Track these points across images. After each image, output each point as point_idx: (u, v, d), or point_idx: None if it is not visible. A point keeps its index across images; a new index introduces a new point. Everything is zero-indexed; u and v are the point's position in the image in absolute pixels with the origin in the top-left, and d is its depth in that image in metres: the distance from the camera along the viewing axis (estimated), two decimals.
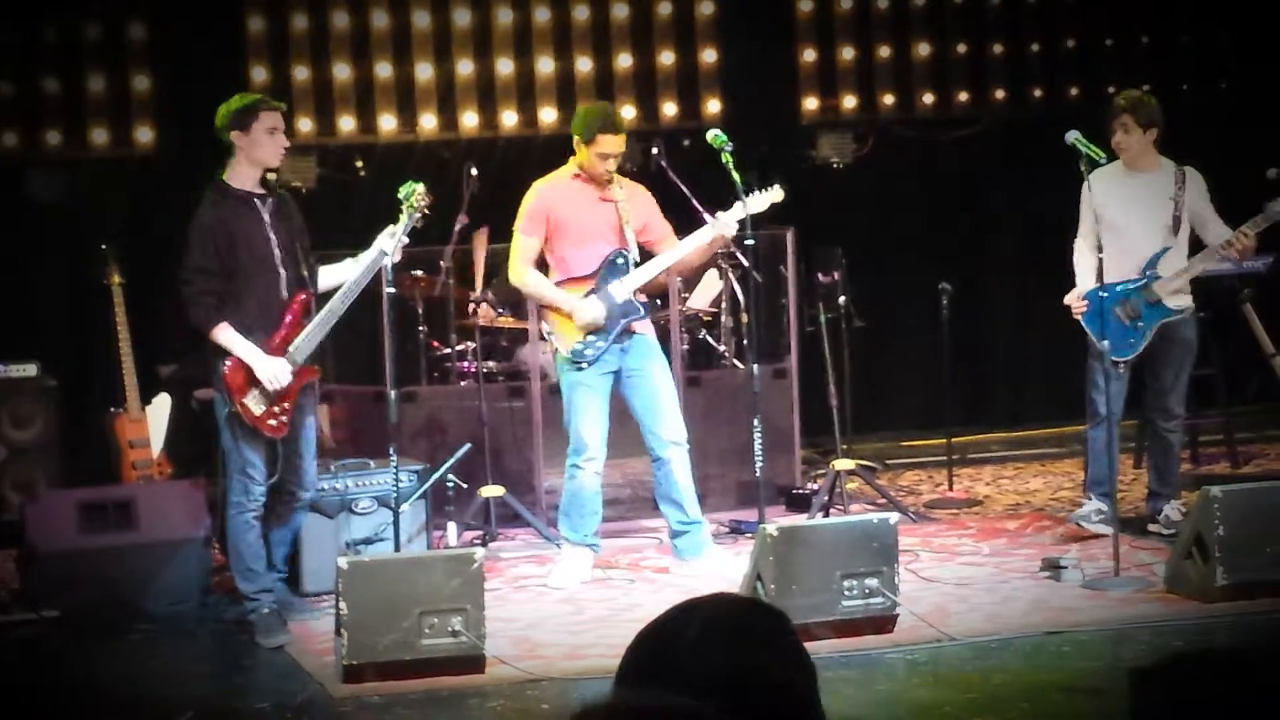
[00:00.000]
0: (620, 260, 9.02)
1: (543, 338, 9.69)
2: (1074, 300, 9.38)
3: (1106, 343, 8.91)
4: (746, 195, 8.88)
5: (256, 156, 8.25)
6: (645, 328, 9.14)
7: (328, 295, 8.40)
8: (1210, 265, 9.49)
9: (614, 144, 8.95)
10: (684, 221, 9.31)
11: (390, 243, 8.25)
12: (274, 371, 8.15)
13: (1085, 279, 9.35)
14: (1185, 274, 9.33)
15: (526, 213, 9.08)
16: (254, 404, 8.18)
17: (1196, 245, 9.39)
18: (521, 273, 9.09)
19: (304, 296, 8.33)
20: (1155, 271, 9.28)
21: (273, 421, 8.23)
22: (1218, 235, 9.28)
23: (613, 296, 8.99)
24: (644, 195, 9.23)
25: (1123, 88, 13.19)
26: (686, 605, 2.66)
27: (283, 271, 8.27)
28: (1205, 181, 9.42)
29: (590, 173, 9.02)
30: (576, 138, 9.04)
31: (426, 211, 8.34)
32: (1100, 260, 8.98)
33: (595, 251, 9.03)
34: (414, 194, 8.27)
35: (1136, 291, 9.30)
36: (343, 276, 8.43)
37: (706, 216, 9.01)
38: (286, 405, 8.25)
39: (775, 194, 9.10)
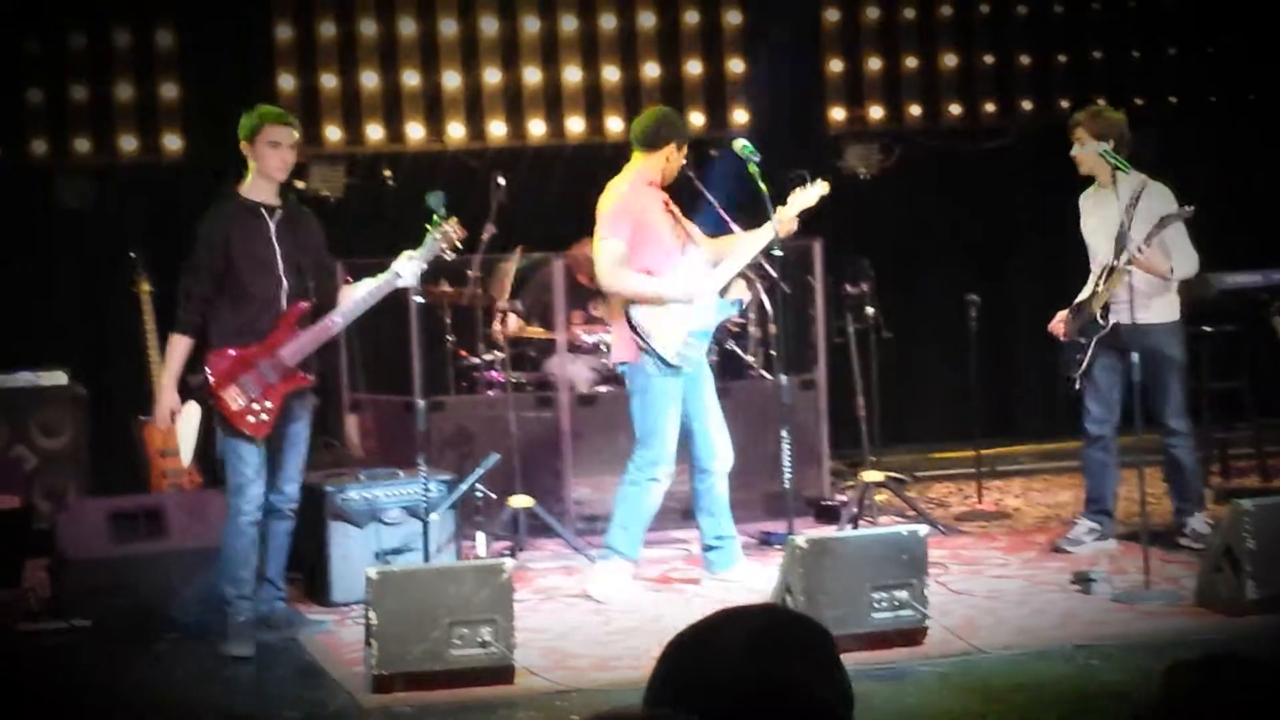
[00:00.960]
0: (699, 258, 9.02)
1: (598, 348, 9.70)
2: (1054, 324, 9.53)
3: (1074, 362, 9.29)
4: (788, 196, 8.93)
5: (262, 168, 8.34)
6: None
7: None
8: (1122, 282, 9.00)
9: (683, 147, 9.08)
10: (710, 230, 9.31)
11: (407, 267, 8.28)
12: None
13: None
14: (1105, 294, 9.17)
15: (616, 219, 8.95)
16: (232, 399, 8.22)
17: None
18: (619, 275, 8.91)
19: (303, 305, 8.36)
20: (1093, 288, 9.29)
21: (252, 419, 8.25)
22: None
23: (705, 297, 9.00)
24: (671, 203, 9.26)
25: (1150, 99, 13.32)
26: (730, 613, 2.64)
27: (285, 281, 8.31)
28: (1172, 196, 9.21)
29: (666, 176, 9.04)
30: (671, 142, 9.01)
31: (459, 246, 8.33)
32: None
33: (670, 257, 8.97)
34: (443, 223, 8.28)
35: (1081, 309, 9.36)
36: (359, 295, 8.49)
37: (765, 263, 9.07)
38: (270, 405, 8.27)
39: (821, 187, 9.13)
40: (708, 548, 9.17)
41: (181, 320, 8.27)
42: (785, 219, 8.90)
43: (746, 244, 9.05)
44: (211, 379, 8.22)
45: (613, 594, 8.91)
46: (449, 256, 8.42)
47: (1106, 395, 9.37)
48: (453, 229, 8.29)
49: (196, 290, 8.24)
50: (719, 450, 9.07)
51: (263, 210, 8.34)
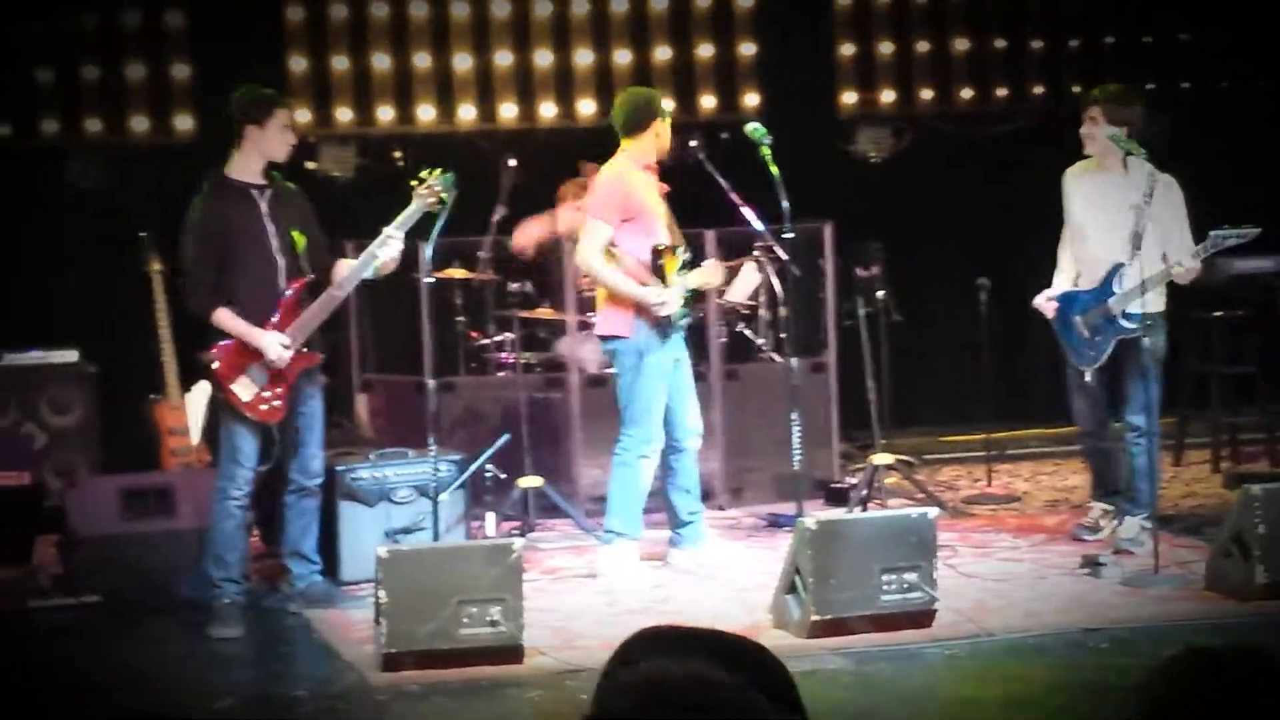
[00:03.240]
0: (686, 256, 9.03)
1: (585, 325, 9.72)
2: (1041, 302, 9.35)
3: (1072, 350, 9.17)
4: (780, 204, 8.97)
5: (268, 150, 8.35)
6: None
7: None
8: (1160, 282, 8.96)
9: (669, 124, 9.07)
10: (722, 213, 9.32)
11: (394, 229, 8.28)
12: (276, 346, 8.22)
13: (1058, 280, 9.34)
14: (1138, 294, 8.85)
15: (608, 201, 8.98)
16: (242, 390, 8.24)
17: None
18: (595, 258, 8.95)
19: (301, 283, 8.37)
20: (1112, 288, 9.01)
21: (264, 406, 8.28)
22: (1178, 248, 8.95)
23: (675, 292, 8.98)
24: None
25: (1161, 83, 13.29)
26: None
27: (280, 260, 8.34)
28: (1182, 192, 9.08)
29: (660, 154, 9.04)
30: (655, 119, 8.99)
31: (443, 199, 8.28)
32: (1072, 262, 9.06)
33: (658, 241, 9.00)
34: (430, 178, 8.27)
35: (1096, 305, 9.11)
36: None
37: (750, 216, 9.03)
38: (280, 390, 8.29)
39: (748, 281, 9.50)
40: (681, 524, 9.18)
41: (210, 303, 8.24)
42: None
43: (702, 274, 9.16)
44: (219, 372, 8.22)
45: (622, 576, 8.92)
46: (435, 210, 8.35)
47: (1095, 392, 9.25)
48: (435, 180, 8.26)
49: (206, 276, 8.24)
50: (694, 427, 9.13)
51: (253, 190, 8.36)
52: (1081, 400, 9.33)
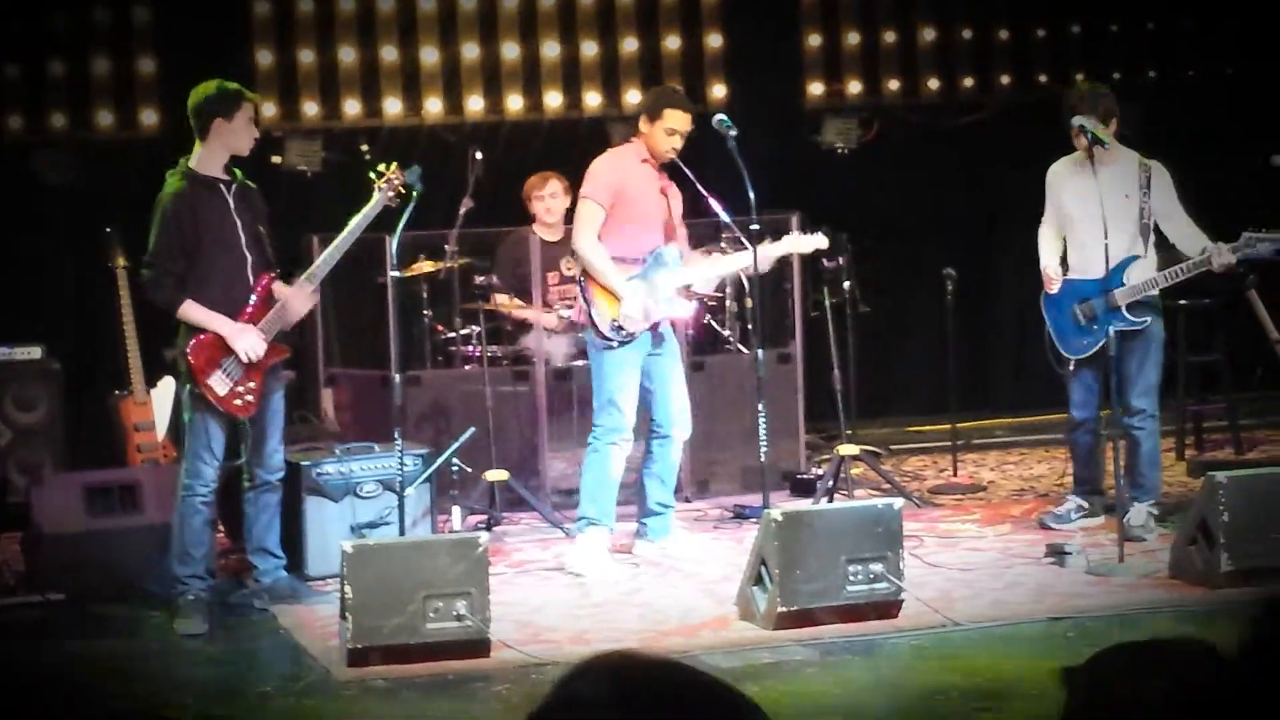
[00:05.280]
0: (670, 256, 9.00)
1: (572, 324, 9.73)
2: (1050, 272, 9.27)
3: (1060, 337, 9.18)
4: (794, 231, 9.13)
5: (234, 144, 8.32)
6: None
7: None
8: (1179, 279, 9.10)
9: (681, 120, 8.96)
10: (688, 205, 9.30)
11: (359, 221, 8.27)
12: (249, 342, 8.19)
13: (1052, 259, 9.33)
14: (1151, 287, 9.04)
15: (600, 182, 8.99)
16: (218, 384, 8.21)
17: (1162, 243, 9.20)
18: (587, 240, 8.96)
19: (270, 277, 8.36)
20: (1120, 279, 9.02)
21: (239, 401, 8.26)
22: (1181, 233, 9.04)
23: (658, 288, 8.95)
24: (679, 196, 9.20)
25: (1126, 73, 13.32)
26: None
27: (248, 255, 8.32)
28: (1171, 175, 9.15)
29: (655, 152, 8.97)
30: (645, 118, 9.01)
31: (402, 190, 8.28)
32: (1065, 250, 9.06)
33: (648, 239, 9.01)
34: (389, 172, 8.26)
35: (1098, 294, 9.09)
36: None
37: (743, 239, 9.04)
38: (253, 385, 8.28)
39: (819, 240, 9.24)
40: (649, 513, 9.17)
41: (177, 297, 8.19)
42: (763, 256, 8.89)
43: (716, 266, 9.18)
44: (194, 367, 8.19)
45: (591, 566, 8.91)
46: (395, 204, 8.34)
47: (1091, 382, 9.29)
48: (394, 175, 8.25)
49: (173, 268, 8.20)
50: (678, 418, 9.10)
51: (220, 185, 8.33)
52: (1080, 389, 9.30)
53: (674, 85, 9.97)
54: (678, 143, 8.97)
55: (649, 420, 9.14)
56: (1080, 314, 9.18)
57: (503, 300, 10.77)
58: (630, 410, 8.95)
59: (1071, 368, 9.24)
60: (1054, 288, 9.27)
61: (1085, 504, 9.51)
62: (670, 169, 9.14)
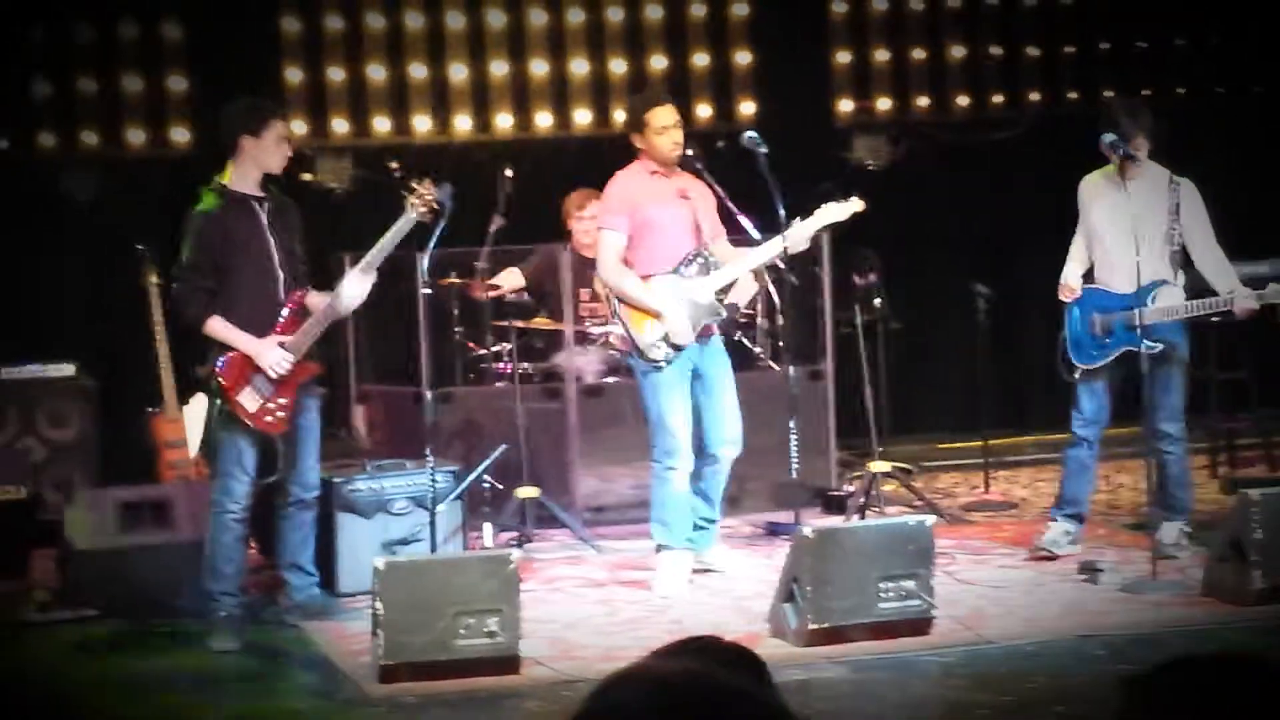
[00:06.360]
0: (702, 260, 8.93)
1: (592, 341, 9.69)
2: (1071, 281, 9.19)
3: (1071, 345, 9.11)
4: (831, 197, 8.89)
5: (265, 162, 8.35)
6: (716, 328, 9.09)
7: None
8: (1200, 314, 8.97)
9: (665, 115, 8.88)
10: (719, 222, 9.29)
11: (388, 239, 8.27)
12: (274, 358, 8.21)
13: (1074, 269, 9.24)
14: (1174, 315, 8.88)
15: (609, 208, 8.99)
16: (248, 400, 8.23)
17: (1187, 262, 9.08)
18: (613, 270, 8.92)
19: (302, 295, 8.38)
20: (1147, 299, 8.84)
21: (269, 418, 8.27)
22: (1208, 261, 8.96)
23: (696, 296, 8.89)
24: (708, 195, 9.08)
25: (1157, 90, 13.30)
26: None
27: (280, 273, 8.35)
28: (1200, 194, 9.05)
29: (659, 157, 8.88)
30: (633, 133, 8.95)
31: (435, 209, 8.29)
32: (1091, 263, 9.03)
33: (675, 248, 8.93)
34: (421, 188, 8.26)
35: (1121, 310, 8.96)
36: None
37: (747, 224, 8.97)
38: (284, 401, 8.29)
39: (855, 204, 9.02)
40: (693, 527, 9.09)
41: (204, 313, 8.22)
42: (799, 234, 8.80)
43: (753, 255, 8.98)
44: (225, 384, 8.22)
45: (674, 587, 8.84)
46: (428, 220, 8.34)
47: (1102, 397, 9.18)
48: (426, 190, 8.25)
49: (203, 284, 8.23)
50: (727, 436, 9.01)
51: (253, 202, 8.36)
52: (1090, 403, 9.17)
53: (644, 91, 9.84)
54: (677, 137, 8.87)
55: (698, 438, 9.09)
56: (1097, 325, 9.12)
57: (538, 319, 10.77)
58: (682, 431, 8.87)
59: (1078, 376, 9.17)
60: (1068, 297, 9.21)
61: (1071, 529, 9.29)
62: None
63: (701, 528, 9.13)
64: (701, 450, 9.06)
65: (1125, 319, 8.94)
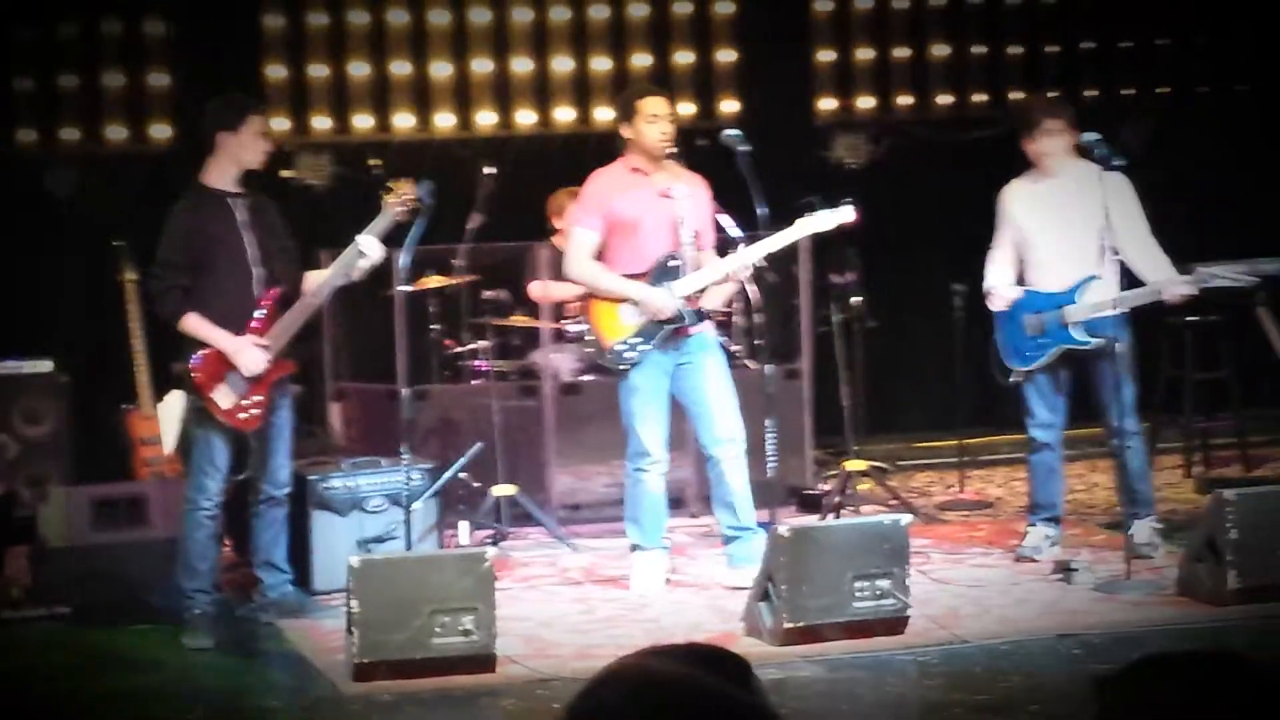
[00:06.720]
0: (673, 264, 8.74)
1: (574, 338, 9.67)
2: (1001, 289, 9.12)
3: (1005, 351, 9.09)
4: (812, 210, 8.81)
5: (243, 158, 8.33)
6: (703, 326, 8.89)
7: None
8: (1130, 305, 8.91)
9: (657, 104, 8.76)
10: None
11: (366, 240, 8.27)
12: (249, 356, 8.20)
13: (1000, 278, 9.18)
14: (1103, 310, 8.83)
15: (583, 205, 8.89)
16: (222, 398, 8.23)
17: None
18: (579, 264, 8.83)
19: (276, 292, 8.37)
20: (1073, 296, 8.87)
21: (243, 415, 8.28)
22: (1139, 255, 8.87)
23: (672, 293, 8.76)
24: (704, 195, 8.94)
25: (1141, 89, 13.30)
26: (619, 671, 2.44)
27: (255, 270, 8.34)
28: (1131, 185, 8.94)
29: (646, 147, 8.73)
30: (623, 123, 8.81)
31: (414, 207, 8.28)
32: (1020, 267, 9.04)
33: (653, 248, 8.77)
34: (400, 188, 8.27)
35: (1051, 309, 8.95)
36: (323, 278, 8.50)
37: (726, 222, 8.95)
38: (258, 398, 8.29)
39: (845, 213, 8.87)
40: (726, 539, 8.91)
41: (180, 309, 8.22)
42: (775, 245, 8.73)
43: (725, 262, 8.82)
44: (199, 380, 8.21)
45: (650, 587, 8.82)
46: (406, 219, 8.34)
47: (1051, 398, 9.12)
48: (407, 190, 8.26)
49: (178, 280, 8.22)
50: (721, 434, 8.78)
51: (229, 199, 8.35)
52: (1041, 406, 9.12)
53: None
54: (666, 127, 8.72)
55: (698, 442, 9.01)
56: (1030, 325, 9.06)
57: (515, 317, 10.76)
58: (650, 434, 8.76)
59: (1013, 379, 9.14)
60: (998, 305, 9.16)
61: (1051, 533, 9.26)
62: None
63: (732, 538, 8.84)
64: (704, 457, 8.98)
65: (1056, 317, 8.95)
